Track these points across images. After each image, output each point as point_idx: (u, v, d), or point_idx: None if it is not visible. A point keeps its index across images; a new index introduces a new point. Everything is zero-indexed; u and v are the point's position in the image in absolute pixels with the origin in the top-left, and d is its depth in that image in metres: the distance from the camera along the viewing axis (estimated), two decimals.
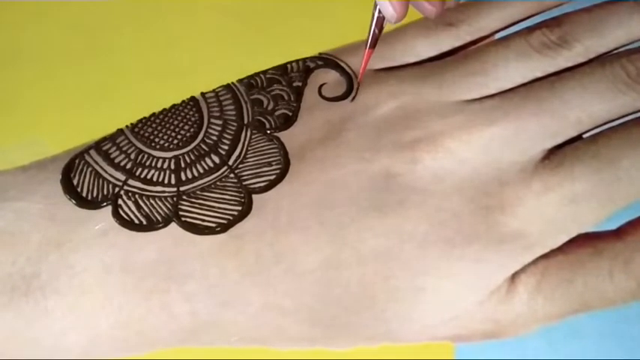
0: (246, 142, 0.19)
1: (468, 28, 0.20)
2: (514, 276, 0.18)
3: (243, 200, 0.18)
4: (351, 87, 0.20)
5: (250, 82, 0.20)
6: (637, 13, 0.19)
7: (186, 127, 0.19)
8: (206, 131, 0.19)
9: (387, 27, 0.21)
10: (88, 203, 0.18)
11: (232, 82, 0.20)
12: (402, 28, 0.21)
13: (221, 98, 0.20)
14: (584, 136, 0.18)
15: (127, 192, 0.18)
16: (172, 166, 0.19)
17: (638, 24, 0.19)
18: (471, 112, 0.18)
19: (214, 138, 0.19)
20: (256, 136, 0.19)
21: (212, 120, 0.19)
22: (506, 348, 0.32)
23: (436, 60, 0.20)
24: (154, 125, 0.19)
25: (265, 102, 0.19)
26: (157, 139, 0.19)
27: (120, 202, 0.18)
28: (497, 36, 0.20)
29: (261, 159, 0.19)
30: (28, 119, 0.35)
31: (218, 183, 0.18)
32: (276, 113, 0.19)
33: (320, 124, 0.19)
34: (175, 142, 0.19)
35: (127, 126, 0.19)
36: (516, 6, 0.20)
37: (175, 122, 0.19)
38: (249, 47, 0.33)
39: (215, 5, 0.35)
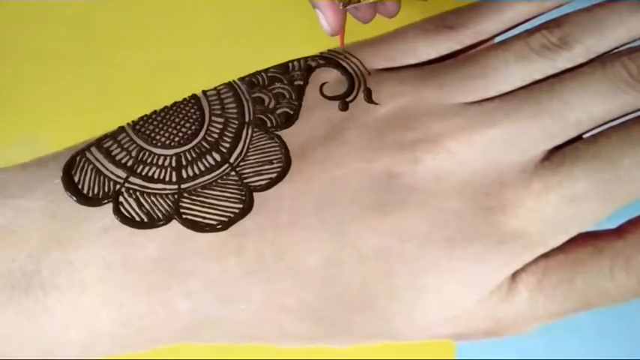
0: (248, 140, 0.19)
1: (467, 32, 0.20)
2: (515, 275, 0.18)
3: (244, 198, 0.18)
4: (352, 86, 0.20)
5: (252, 81, 0.20)
6: (637, 11, 0.19)
7: (188, 125, 0.19)
8: (207, 129, 0.19)
9: (389, 27, 0.21)
10: (89, 200, 0.18)
11: (234, 80, 0.20)
12: (402, 29, 0.21)
13: (222, 96, 0.20)
14: (585, 136, 0.18)
15: (128, 189, 0.18)
16: (173, 164, 0.19)
17: (638, 22, 0.19)
18: (471, 114, 0.18)
19: (215, 136, 0.19)
20: (257, 134, 0.19)
21: (213, 118, 0.19)
22: (507, 346, 0.32)
23: (436, 62, 0.20)
24: (155, 123, 0.19)
25: (267, 100, 0.19)
26: (158, 137, 0.19)
27: (121, 199, 0.18)
28: (498, 39, 0.20)
29: (263, 157, 0.19)
30: (28, 117, 0.34)
31: (219, 181, 0.18)
32: (278, 112, 0.19)
33: (321, 122, 0.19)
34: (177, 139, 0.19)
35: (128, 123, 0.19)
36: (516, 9, 0.20)
37: (177, 120, 0.19)
38: (251, 45, 0.33)
39: (217, 3, 0.35)
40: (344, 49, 0.21)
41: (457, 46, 0.20)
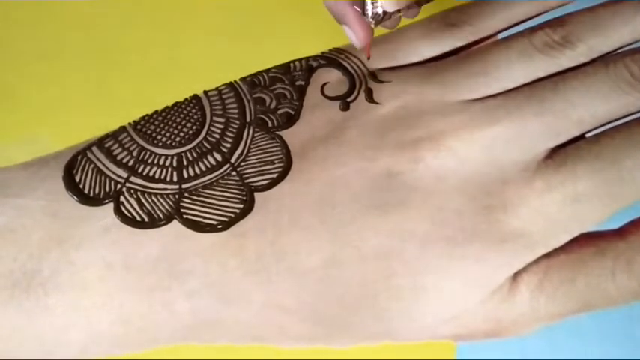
0: (249, 141, 0.19)
1: (470, 29, 0.20)
2: (516, 275, 0.18)
3: (244, 198, 0.18)
4: (353, 86, 0.20)
5: (253, 81, 0.20)
6: None
7: (189, 125, 0.19)
8: (208, 129, 0.19)
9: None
10: (90, 200, 0.18)
11: (235, 81, 0.20)
12: (404, 29, 0.21)
13: (224, 96, 0.20)
14: (587, 135, 0.18)
15: (129, 189, 0.18)
16: (174, 164, 0.19)
17: None
18: (474, 111, 0.18)
19: (217, 136, 0.19)
20: (259, 134, 0.19)
21: (214, 118, 0.19)
22: (508, 347, 0.32)
23: (439, 60, 0.20)
24: (156, 123, 0.19)
25: (268, 100, 0.19)
26: (159, 137, 0.19)
27: (122, 199, 0.18)
28: (500, 36, 0.20)
29: (264, 157, 0.19)
30: (29, 117, 0.34)
31: (220, 181, 0.18)
32: (279, 112, 0.19)
33: (322, 122, 0.19)
34: (178, 139, 0.19)
35: (129, 123, 0.19)
36: (519, 6, 0.20)
37: (178, 120, 0.19)
38: (252, 45, 0.33)
39: (218, 3, 0.35)
40: (345, 49, 0.21)
41: (459, 44, 0.20)
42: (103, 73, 0.34)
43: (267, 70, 0.20)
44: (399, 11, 0.18)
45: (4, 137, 0.34)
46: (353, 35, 0.19)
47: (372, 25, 0.18)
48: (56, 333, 0.17)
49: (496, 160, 0.18)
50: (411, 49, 0.20)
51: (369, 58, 0.20)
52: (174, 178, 0.18)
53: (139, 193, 0.18)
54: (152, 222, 0.18)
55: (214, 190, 0.18)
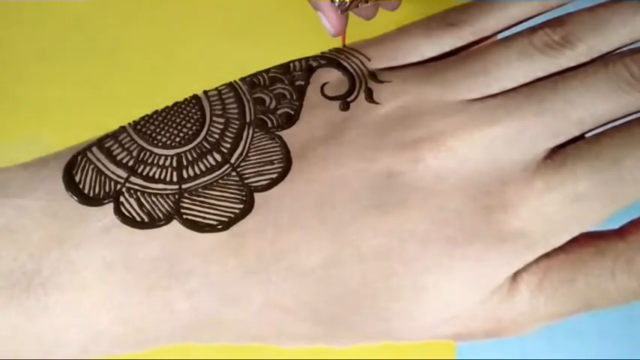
0: (249, 141, 0.19)
1: (470, 29, 0.20)
2: (516, 275, 0.18)
3: (244, 198, 0.18)
4: (353, 86, 0.20)
5: (253, 81, 0.20)
6: None
7: (189, 125, 0.19)
8: (208, 129, 0.19)
9: (389, 27, 0.21)
10: (90, 200, 0.18)
11: (235, 81, 0.20)
12: (404, 28, 0.21)
13: (224, 96, 0.20)
14: (587, 135, 0.18)
15: (128, 189, 0.18)
16: (174, 164, 0.19)
17: None
18: (474, 111, 0.18)
19: (216, 136, 0.19)
20: (258, 134, 0.19)
21: (214, 118, 0.19)
22: (508, 347, 0.32)
23: (439, 60, 0.20)
24: (156, 123, 0.19)
25: (268, 100, 0.20)
26: (159, 137, 0.19)
27: (122, 199, 0.18)
28: (500, 36, 0.20)
29: (263, 157, 0.19)
30: (29, 117, 0.35)
31: (220, 181, 0.18)
32: (279, 112, 0.19)
33: (322, 123, 0.19)
34: (177, 139, 0.19)
35: (129, 123, 0.19)
36: (519, 6, 0.20)
37: (178, 120, 0.19)
38: (252, 46, 0.33)
39: (218, 3, 0.35)
40: (345, 49, 0.21)
41: (459, 43, 0.20)
42: (103, 73, 0.35)
43: (267, 70, 0.20)
44: (366, 1, 0.18)
45: (4, 137, 0.34)
46: (327, 23, 0.19)
47: (340, 12, 0.19)
48: (56, 333, 0.17)
49: (496, 160, 0.18)
50: (411, 48, 0.20)
51: (344, 47, 0.20)
52: (174, 178, 0.18)
53: (138, 193, 0.18)
54: (152, 222, 0.18)
55: (214, 190, 0.18)
